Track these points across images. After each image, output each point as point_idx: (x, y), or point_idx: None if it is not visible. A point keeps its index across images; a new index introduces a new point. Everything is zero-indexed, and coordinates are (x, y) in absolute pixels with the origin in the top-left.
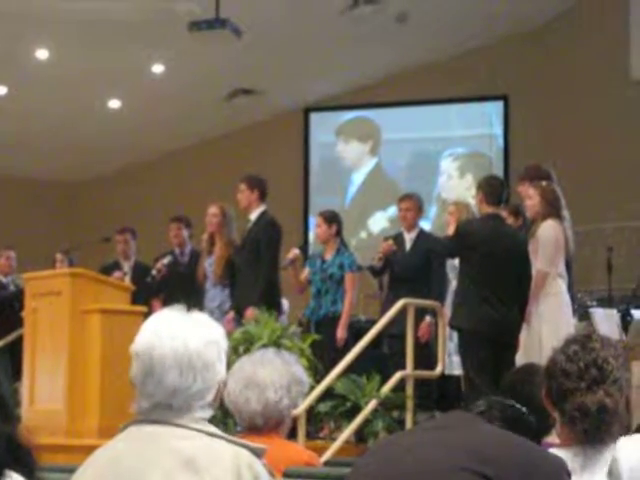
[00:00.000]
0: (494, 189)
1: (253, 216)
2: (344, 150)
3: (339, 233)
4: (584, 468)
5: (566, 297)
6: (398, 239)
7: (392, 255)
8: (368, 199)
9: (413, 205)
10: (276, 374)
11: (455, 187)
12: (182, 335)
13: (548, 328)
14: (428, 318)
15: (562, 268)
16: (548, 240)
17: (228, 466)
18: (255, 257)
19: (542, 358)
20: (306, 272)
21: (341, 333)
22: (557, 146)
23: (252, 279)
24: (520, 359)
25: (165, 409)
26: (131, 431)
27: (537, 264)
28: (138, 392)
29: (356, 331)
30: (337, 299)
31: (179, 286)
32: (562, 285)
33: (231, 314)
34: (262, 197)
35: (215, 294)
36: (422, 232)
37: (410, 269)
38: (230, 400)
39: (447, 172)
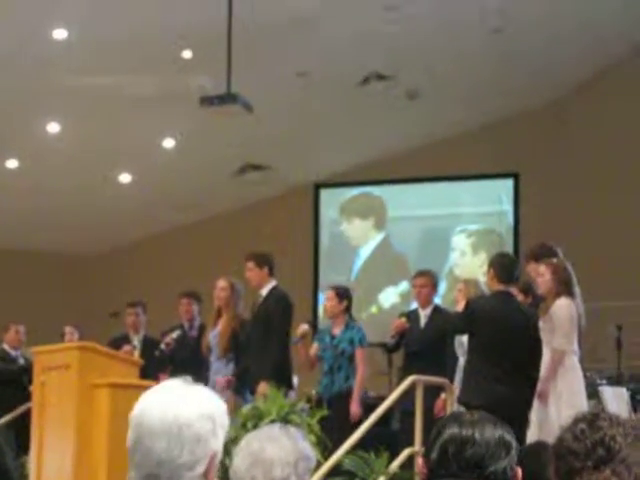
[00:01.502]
0: (505, 267)
1: (264, 291)
2: (347, 228)
3: (348, 309)
4: None
5: (581, 374)
6: (412, 315)
7: (406, 331)
8: (376, 274)
9: (428, 282)
10: (283, 451)
11: (468, 264)
12: (174, 406)
13: (566, 405)
14: (444, 395)
15: (576, 345)
16: (563, 318)
17: None
18: (267, 331)
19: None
20: (315, 348)
21: (355, 408)
22: (566, 223)
23: (263, 353)
24: (534, 435)
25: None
26: None
27: (554, 343)
28: (129, 462)
29: (365, 407)
30: (350, 375)
31: (188, 360)
32: (577, 362)
33: (226, 377)
34: (271, 272)
35: (219, 367)
36: (437, 308)
37: (424, 346)
38: (237, 478)
39: (460, 248)
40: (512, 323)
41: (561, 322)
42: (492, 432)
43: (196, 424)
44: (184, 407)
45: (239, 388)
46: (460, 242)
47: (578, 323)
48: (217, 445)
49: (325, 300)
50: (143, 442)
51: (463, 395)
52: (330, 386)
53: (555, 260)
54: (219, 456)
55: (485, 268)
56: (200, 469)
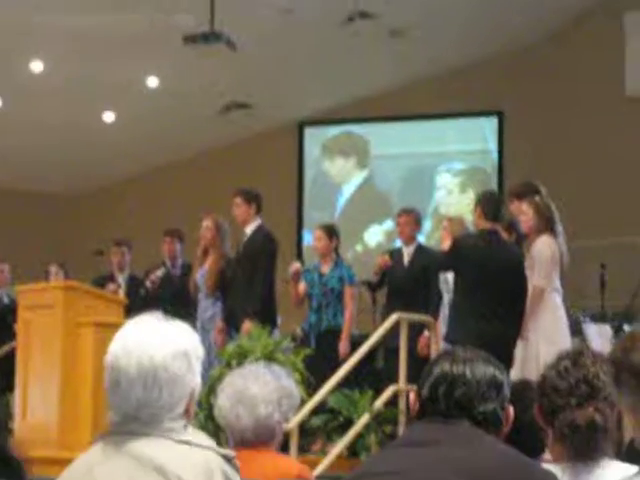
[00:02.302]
0: (492, 204)
1: (249, 230)
2: (330, 167)
3: (337, 248)
4: None
5: (562, 311)
6: (396, 253)
7: (390, 269)
8: (360, 213)
9: (412, 220)
10: (266, 389)
11: (455, 202)
12: (149, 347)
13: (546, 343)
14: (427, 332)
15: (558, 283)
16: (544, 256)
17: (199, 471)
18: (251, 270)
19: (539, 374)
20: (302, 287)
21: (344, 347)
22: (551, 162)
23: (248, 292)
24: (516, 374)
25: (133, 421)
26: (103, 442)
27: (534, 280)
28: (109, 403)
29: (350, 345)
30: (337, 313)
31: (172, 298)
32: (558, 299)
33: (220, 325)
34: (258, 211)
35: (207, 306)
36: (420, 246)
37: (408, 283)
38: (221, 416)
39: (445, 187)
40: (498, 261)
41: (542, 260)
42: (484, 370)
43: (172, 365)
44: (158, 348)
45: (226, 328)
46: (446, 180)
47: (560, 261)
48: (195, 381)
49: (315, 240)
50: (120, 386)
51: (449, 333)
52: (318, 323)
53: (538, 198)
54: (198, 389)
55: (472, 206)
56: (180, 409)
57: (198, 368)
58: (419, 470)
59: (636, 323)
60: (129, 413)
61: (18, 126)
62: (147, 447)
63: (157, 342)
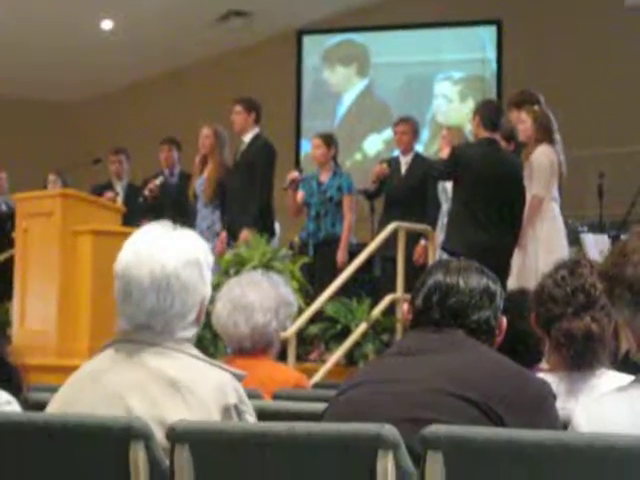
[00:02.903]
0: (491, 113)
1: (247, 138)
2: (330, 75)
3: (335, 156)
4: (569, 392)
5: (561, 221)
6: (393, 162)
7: (387, 178)
8: (359, 121)
9: (409, 129)
10: (264, 296)
11: (454, 111)
12: (160, 256)
13: (545, 252)
14: (423, 241)
15: (556, 192)
16: (542, 165)
17: (212, 387)
18: (249, 179)
19: (537, 283)
20: (301, 194)
21: (342, 256)
22: (549, 71)
23: (246, 201)
24: (513, 283)
25: (146, 330)
26: (112, 350)
27: (532, 189)
28: (119, 312)
29: (348, 254)
30: (336, 222)
31: (169, 207)
32: (557, 209)
33: (223, 234)
34: (257, 120)
35: (206, 214)
36: (418, 156)
37: (405, 192)
38: (218, 323)
39: (444, 95)
40: (497, 170)
41: (540, 169)
42: (477, 280)
43: (183, 273)
44: (170, 257)
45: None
46: (444, 89)
47: (559, 170)
48: (206, 289)
49: (313, 148)
50: (132, 295)
51: (446, 242)
52: (316, 232)
53: (536, 107)
54: (208, 297)
55: (471, 115)
56: (191, 317)
57: (209, 276)
58: (415, 378)
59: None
60: (141, 322)
61: (14, 30)
62: (159, 358)
63: (169, 250)
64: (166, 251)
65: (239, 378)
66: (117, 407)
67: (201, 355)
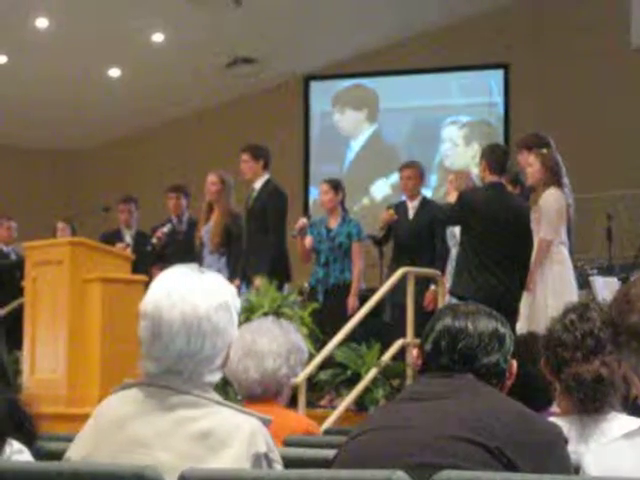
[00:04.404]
0: (498, 157)
1: (257, 185)
2: (340, 119)
3: (343, 201)
4: (580, 437)
5: (569, 264)
6: (400, 207)
7: (395, 223)
8: (367, 166)
9: (415, 173)
10: (274, 343)
11: (460, 155)
12: (192, 298)
13: (553, 295)
14: (433, 287)
15: (564, 236)
16: (551, 208)
17: (243, 438)
18: (262, 225)
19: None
20: (309, 240)
21: (353, 301)
22: (557, 114)
23: (260, 247)
24: (522, 327)
25: (174, 375)
26: (138, 394)
27: (540, 233)
28: (145, 354)
29: (358, 300)
30: (345, 268)
31: (178, 254)
32: (565, 252)
33: (237, 282)
34: (266, 166)
35: (212, 262)
36: (425, 200)
37: (414, 237)
38: (229, 369)
39: (450, 140)
40: (504, 214)
41: (548, 212)
42: (486, 324)
43: (215, 316)
44: (201, 299)
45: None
46: (451, 133)
47: (567, 214)
48: (234, 333)
49: (321, 194)
50: (162, 336)
51: (455, 287)
52: (325, 278)
53: (544, 150)
54: (234, 342)
55: (478, 159)
56: (219, 361)
57: (236, 320)
58: (425, 424)
59: None
60: (169, 366)
61: (22, 82)
62: (188, 407)
63: (200, 292)
64: (197, 293)
65: (266, 422)
66: (143, 457)
67: (227, 402)
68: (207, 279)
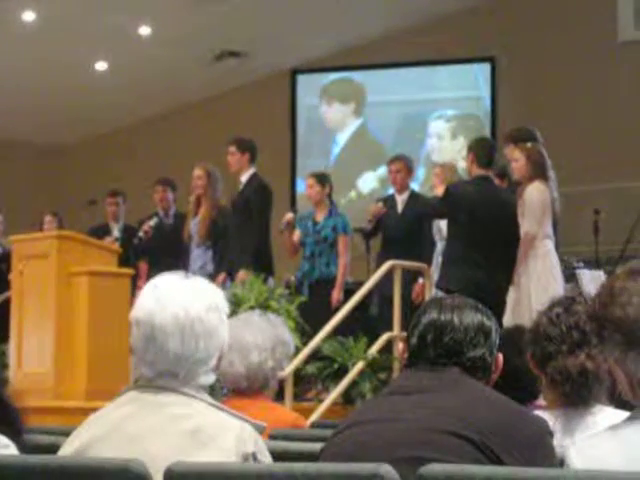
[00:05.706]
0: (485, 151)
1: (244, 178)
2: (327, 111)
3: (330, 195)
4: (566, 430)
5: (555, 257)
6: (389, 201)
7: (384, 217)
8: (354, 159)
9: (403, 167)
10: (260, 336)
11: (446, 149)
12: (182, 301)
13: (538, 289)
14: (421, 280)
15: (549, 229)
16: (535, 202)
17: (233, 436)
18: (246, 219)
19: (532, 319)
20: (297, 234)
21: (337, 295)
22: (543, 108)
23: (244, 241)
24: (508, 320)
25: (170, 377)
26: (134, 397)
27: (524, 226)
28: (139, 359)
29: (344, 293)
30: (330, 262)
31: (164, 248)
32: (550, 246)
33: (222, 276)
34: (252, 159)
35: (199, 255)
36: (413, 194)
37: (402, 231)
38: None
39: (437, 134)
40: (491, 208)
41: (532, 206)
42: (472, 317)
43: (206, 317)
44: (192, 301)
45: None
46: (438, 127)
47: (552, 207)
48: (225, 334)
49: (307, 188)
50: (156, 340)
51: (442, 280)
52: (311, 272)
53: (529, 144)
54: (227, 343)
55: (464, 153)
56: (213, 362)
57: (226, 322)
58: (412, 417)
59: None
60: (165, 368)
61: (7, 76)
62: (182, 406)
63: (190, 296)
64: (186, 295)
65: (259, 429)
66: (133, 449)
67: (221, 405)
68: (194, 283)
